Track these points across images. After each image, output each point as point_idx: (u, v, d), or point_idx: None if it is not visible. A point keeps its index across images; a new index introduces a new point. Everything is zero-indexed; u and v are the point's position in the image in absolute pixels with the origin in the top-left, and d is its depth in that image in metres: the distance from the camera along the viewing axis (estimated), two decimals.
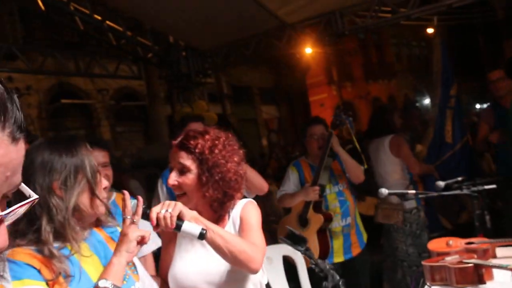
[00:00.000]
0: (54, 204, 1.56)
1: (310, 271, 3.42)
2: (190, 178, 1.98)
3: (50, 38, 8.84)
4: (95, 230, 1.79)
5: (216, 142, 2.02)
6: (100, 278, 1.57)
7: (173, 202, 1.83)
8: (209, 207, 2.04)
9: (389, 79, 22.19)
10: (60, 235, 1.57)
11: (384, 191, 2.98)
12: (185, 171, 1.99)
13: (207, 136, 2.02)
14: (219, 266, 1.97)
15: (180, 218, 1.79)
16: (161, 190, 3.45)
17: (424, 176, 5.22)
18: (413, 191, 3.26)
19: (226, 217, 2.12)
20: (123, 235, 1.66)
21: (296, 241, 2.00)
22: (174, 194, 2.10)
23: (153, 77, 9.09)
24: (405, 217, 4.58)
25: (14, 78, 9.90)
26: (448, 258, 2.45)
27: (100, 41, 8.08)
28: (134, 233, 1.66)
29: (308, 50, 9.00)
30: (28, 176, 1.53)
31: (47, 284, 1.47)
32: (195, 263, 2.01)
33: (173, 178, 2.00)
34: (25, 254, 1.50)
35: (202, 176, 1.96)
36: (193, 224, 1.79)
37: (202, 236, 1.76)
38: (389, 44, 22.26)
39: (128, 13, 7.29)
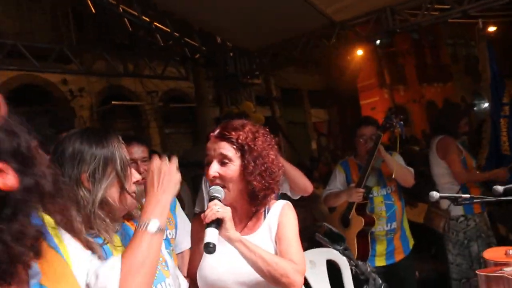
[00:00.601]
0: (81, 196, 1.53)
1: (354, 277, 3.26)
2: (233, 169, 1.90)
3: (101, 40, 9.02)
4: (127, 223, 1.74)
5: (256, 134, 1.97)
6: (146, 216, 1.50)
7: (229, 210, 1.80)
8: (247, 201, 1.97)
9: (444, 82, 21.41)
10: (91, 226, 1.54)
11: (435, 194, 2.73)
12: (227, 162, 1.91)
13: (246, 128, 1.96)
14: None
15: (218, 221, 1.74)
16: (205, 188, 3.40)
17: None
18: (467, 195, 3.00)
19: (262, 215, 2.04)
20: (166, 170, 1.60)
21: (334, 239, 1.87)
22: None
23: (200, 79, 9.11)
24: (450, 225, 4.34)
25: (69, 80, 10.19)
26: (507, 269, 2.22)
27: (148, 42, 8.17)
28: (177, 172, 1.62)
29: (359, 52, 8.81)
30: (59, 166, 1.51)
31: None
32: (227, 263, 1.94)
33: (214, 169, 1.91)
34: None
35: (248, 165, 1.89)
36: (215, 234, 1.73)
37: (206, 247, 1.69)
38: (444, 44, 21.51)
39: (176, 15, 7.34)
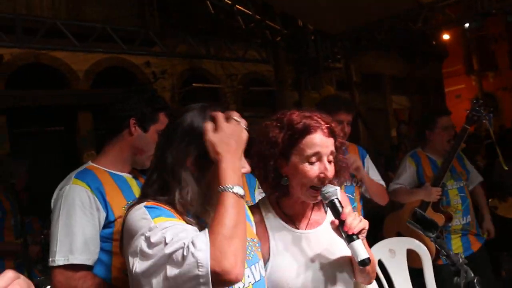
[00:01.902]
0: (184, 178, 1.46)
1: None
2: (333, 166, 1.81)
3: (184, 24, 9.20)
4: None
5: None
6: (227, 182, 1.39)
7: (362, 218, 1.67)
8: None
9: None
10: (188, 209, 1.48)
11: None
12: (332, 160, 1.81)
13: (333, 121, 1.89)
14: (326, 264, 1.81)
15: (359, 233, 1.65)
16: None
17: None
18: None
19: (321, 204, 1.95)
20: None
21: (427, 226, 1.77)
22: None
23: (281, 62, 9.07)
24: None
25: (152, 63, 10.52)
26: None
27: (230, 26, 8.23)
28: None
29: (446, 36, 8.34)
30: (171, 139, 1.49)
31: None
32: (298, 261, 1.81)
33: (331, 170, 1.79)
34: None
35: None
36: (363, 246, 1.63)
37: (363, 263, 1.59)
38: None
39: None
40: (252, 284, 1.58)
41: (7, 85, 8.93)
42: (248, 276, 1.57)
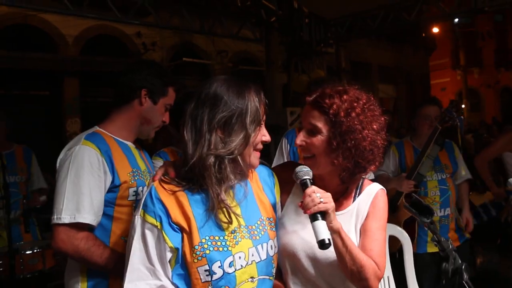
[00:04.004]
0: (212, 141, 1.52)
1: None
2: (319, 140, 1.75)
3: None
4: (250, 183, 1.72)
5: (355, 104, 1.75)
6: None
7: (330, 196, 1.63)
8: (337, 176, 1.80)
9: None
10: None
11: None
12: (315, 132, 1.76)
13: (345, 96, 1.75)
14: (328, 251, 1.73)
15: (321, 212, 1.60)
16: (285, 150, 3.40)
17: None
18: None
19: (353, 194, 1.88)
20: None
21: (422, 211, 1.80)
22: (298, 157, 1.93)
23: (273, 43, 9.05)
24: None
25: (143, 34, 10.40)
26: None
27: (225, 3, 8.16)
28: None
29: (435, 30, 8.39)
30: (199, 107, 1.54)
31: (171, 224, 1.50)
32: (302, 231, 1.80)
33: (301, 138, 1.79)
34: (166, 190, 1.54)
35: (332, 140, 1.73)
36: (325, 227, 1.59)
37: (321, 244, 1.55)
38: None
39: None
40: (256, 263, 1.60)
41: None
42: (253, 255, 1.59)
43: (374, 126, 1.76)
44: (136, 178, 2.08)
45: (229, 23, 8.96)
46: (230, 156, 1.53)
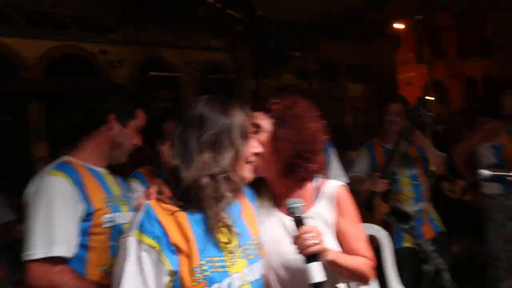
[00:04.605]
0: (203, 162, 1.52)
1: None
2: (264, 136, 1.80)
3: (143, 11, 8.97)
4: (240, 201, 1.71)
5: (295, 103, 1.87)
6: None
7: (321, 237, 1.63)
8: (284, 174, 1.83)
9: (485, 57, 20.76)
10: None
11: (485, 172, 2.57)
12: (259, 131, 1.80)
13: (285, 98, 1.89)
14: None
15: (315, 254, 1.59)
16: None
17: None
18: None
19: (312, 197, 1.89)
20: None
21: (402, 218, 1.83)
22: None
23: (240, 51, 9.04)
24: (487, 203, 4.17)
25: (108, 51, 10.23)
26: None
27: (190, 14, 8.09)
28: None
29: (399, 26, 8.56)
30: (185, 128, 1.55)
31: (168, 245, 1.47)
32: (272, 242, 1.80)
33: (253, 145, 1.72)
34: (164, 210, 1.51)
35: (276, 132, 1.80)
36: (319, 268, 1.58)
37: (316, 287, 1.56)
38: (488, 18, 20.77)
39: None
40: (250, 283, 1.61)
41: None
42: (247, 275, 1.60)
43: (315, 122, 1.85)
44: (110, 204, 2.05)
45: (196, 34, 8.92)
46: (224, 174, 1.52)
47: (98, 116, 2.11)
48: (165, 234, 1.47)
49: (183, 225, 1.50)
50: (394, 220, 1.89)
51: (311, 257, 1.58)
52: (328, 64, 15.37)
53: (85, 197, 1.96)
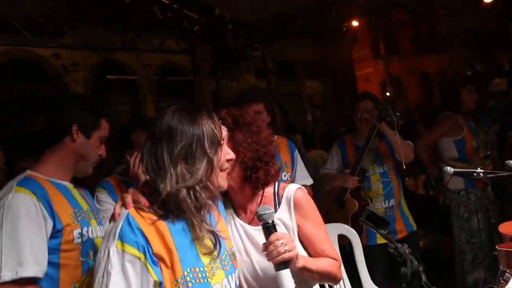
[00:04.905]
0: (178, 173, 1.50)
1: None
2: (225, 138, 1.82)
3: (96, 12, 8.76)
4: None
5: (245, 112, 1.96)
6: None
7: (293, 241, 1.67)
8: (245, 179, 1.88)
9: (439, 53, 21.29)
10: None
11: (449, 169, 2.63)
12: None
13: (235, 109, 1.97)
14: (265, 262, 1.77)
15: (286, 261, 1.62)
16: None
17: None
18: (481, 171, 2.93)
19: (272, 202, 1.93)
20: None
21: (378, 223, 1.84)
22: None
23: (198, 52, 8.95)
24: (451, 198, 4.27)
25: (61, 54, 9.96)
26: None
27: (145, 15, 7.96)
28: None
29: (355, 23, 8.73)
30: (155, 141, 1.53)
31: (151, 255, 1.44)
32: (242, 254, 1.86)
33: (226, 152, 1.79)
34: (145, 219, 1.49)
35: (234, 136, 1.86)
36: (290, 275, 1.61)
37: None
38: (440, 15, 21.30)
39: None
40: None
41: None
42: (225, 286, 1.60)
43: (265, 129, 1.94)
44: (79, 218, 1.98)
45: (151, 36, 8.79)
46: (200, 185, 1.51)
47: (60, 128, 2.05)
48: (148, 243, 1.43)
49: (164, 234, 1.47)
50: (371, 226, 1.88)
51: (282, 264, 1.60)
52: (285, 62, 15.46)
53: (52, 213, 1.88)
